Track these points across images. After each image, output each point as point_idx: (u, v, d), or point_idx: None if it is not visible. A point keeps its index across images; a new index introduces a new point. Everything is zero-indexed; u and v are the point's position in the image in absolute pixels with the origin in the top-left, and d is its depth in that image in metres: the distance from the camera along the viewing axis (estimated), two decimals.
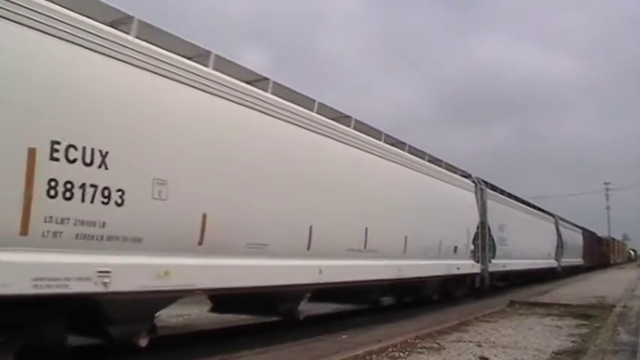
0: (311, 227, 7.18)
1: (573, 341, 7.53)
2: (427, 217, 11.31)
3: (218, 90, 5.92)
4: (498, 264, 16.15)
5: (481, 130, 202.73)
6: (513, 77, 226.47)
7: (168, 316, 9.13)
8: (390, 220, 9.79)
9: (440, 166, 12.93)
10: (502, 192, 17.91)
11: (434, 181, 12.17)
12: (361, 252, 8.78)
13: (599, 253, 44.65)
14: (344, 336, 7.74)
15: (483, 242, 15.06)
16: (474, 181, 14.90)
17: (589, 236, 39.22)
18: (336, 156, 8.25)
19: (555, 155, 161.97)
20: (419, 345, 6.95)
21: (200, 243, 5.55)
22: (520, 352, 6.56)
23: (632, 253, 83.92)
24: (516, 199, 19.84)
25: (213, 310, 7.95)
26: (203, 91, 5.73)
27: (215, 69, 6.06)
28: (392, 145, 10.58)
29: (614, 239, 58.53)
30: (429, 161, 12.31)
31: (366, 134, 9.38)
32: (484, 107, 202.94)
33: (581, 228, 36.55)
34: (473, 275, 14.26)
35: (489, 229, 15.52)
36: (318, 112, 7.94)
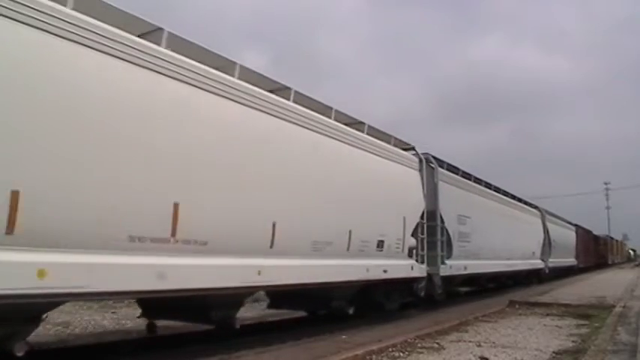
0: None
1: (573, 341, 7.45)
2: (323, 196, 7.79)
3: None
4: (457, 266, 12.57)
5: (480, 131, 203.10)
6: (512, 77, 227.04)
7: None
8: (242, 197, 6.29)
9: (361, 130, 9.38)
10: (466, 175, 14.31)
11: (345, 148, 8.63)
12: (169, 243, 5.30)
13: (596, 252, 41.05)
14: (344, 336, 7.71)
15: (432, 237, 11.51)
16: (419, 157, 11.33)
17: (584, 234, 35.60)
18: None
19: (555, 155, 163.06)
20: (419, 345, 6.90)
21: None
22: (520, 352, 6.52)
23: (632, 252, 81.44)
24: (488, 185, 16.22)
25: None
26: None
27: None
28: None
29: (612, 238, 54.90)
30: (344, 123, 8.85)
31: None
32: (483, 107, 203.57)
33: (575, 225, 32.93)
34: (414, 280, 10.69)
35: (442, 221, 11.94)
36: None
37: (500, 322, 9.56)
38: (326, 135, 8.23)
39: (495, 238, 15.74)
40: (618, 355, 6.26)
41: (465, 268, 13.14)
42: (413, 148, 11.34)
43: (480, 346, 7.02)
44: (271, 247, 6.76)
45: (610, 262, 48.86)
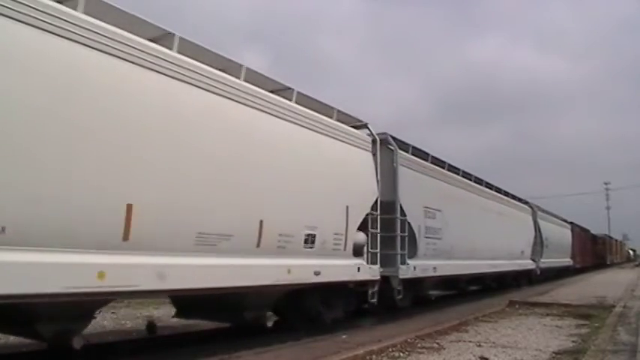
0: None
1: (573, 341, 7.44)
2: (220, 175, 5.94)
3: None
4: (423, 266, 10.66)
5: (480, 131, 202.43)
6: (512, 77, 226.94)
7: (168, 316, 8.80)
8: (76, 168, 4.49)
9: (288, 98, 7.49)
10: (438, 162, 12.37)
11: (262, 118, 6.76)
12: None
13: (594, 252, 39.04)
14: (344, 336, 7.64)
15: (390, 232, 9.61)
16: (373, 136, 9.41)
17: (580, 233, 33.63)
18: None
19: (555, 155, 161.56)
20: (419, 345, 6.89)
21: None
22: (520, 352, 6.50)
23: (631, 252, 79.74)
24: (467, 175, 14.28)
25: None
26: None
27: None
28: None
29: (610, 237, 52.80)
30: (267, 89, 7.04)
31: None
32: (483, 108, 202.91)
33: (571, 223, 30.95)
34: (367, 284, 8.79)
35: (404, 213, 10.02)
36: None
37: (500, 322, 9.44)
38: (231, 99, 6.36)
39: (475, 236, 13.81)
40: (618, 355, 6.16)
41: (435, 269, 11.22)
42: (365, 126, 9.43)
43: (480, 346, 6.95)
44: (125, 239, 4.88)
45: (609, 263, 46.74)
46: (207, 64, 6.14)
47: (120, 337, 7.96)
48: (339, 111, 8.60)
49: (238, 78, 6.64)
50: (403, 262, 9.91)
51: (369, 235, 8.80)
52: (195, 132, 5.80)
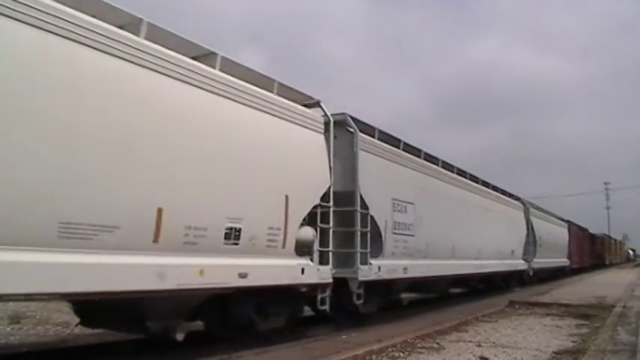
0: None
1: (573, 341, 7.36)
2: (99, 151, 4.69)
3: None
4: (390, 267, 9.33)
5: (480, 131, 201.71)
6: (511, 78, 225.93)
7: None
8: None
9: (211, 65, 6.17)
10: (411, 149, 11.00)
11: (172, 86, 5.46)
12: None
13: (592, 252, 37.63)
14: (344, 336, 7.59)
15: (348, 227, 8.30)
16: (327, 116, 8.09)
17: (578, 232, 32.26)
18: None
19: (555, 155, 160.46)
20: (419, 345, 6.84)
21: None
22: (520, 352, 6.45)
23: (631, 252, 78.50)
24: (448, 166, 12.92)
25: None
26: None
27: None
28: None
29: (609, 237, 51.36)
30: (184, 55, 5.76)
31: None
32: (483, 108, 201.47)
33: (567, 221, 29.61)
34: (314, 288, 7.46)
35: (366, 206, 8.70)
36: None
37: (500, 322, 9.37)
38: (129, 60, 5.06)
39: (457, 233, 12.49)
40: (618, 355, 6.16)
41: (406, 269, 9.88)
42: (318, 104, 8.10)
43: (479, 346, 6.92)
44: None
45: (608, 263, 45.34)
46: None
47: (120, 337, 7.43)
48: (281, 84, 7.27)
49: (137, 36, 5.33)
50: (364, 262, 8.58)
51: (319, 230, 7.48)
52: (99, 102, 4.61)
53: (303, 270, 7.07)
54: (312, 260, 7.33)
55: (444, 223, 11.89)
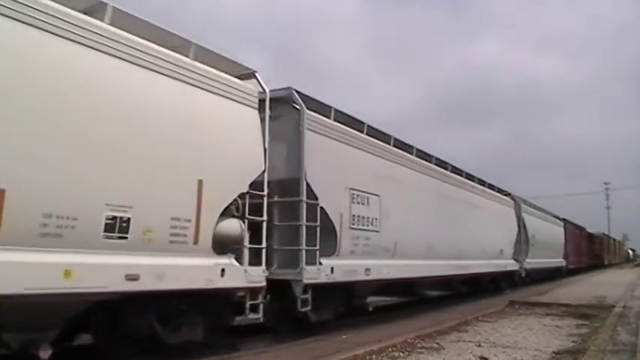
0: None
1: (573, 341, 7.33)
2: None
3: None
4: (347, 268, 8.07)
5: (481, 131, 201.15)
6: (511, 78, 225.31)
7: None
8: None
9: (131, 32, 4.93)
10: (379, 134, 9.72)
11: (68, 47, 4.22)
12: None
13: (590, 252, 36.28)
14: (344, 336, 7.47)
15: (290, 221, 7.06)
16: (262, 88, 6.84)
17: (574, 231, 30.93)
18: None
19: (555, 155, 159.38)
20: (419, 345, 6.82)
21: None
22: (520, 352, 6.42)
23: (631, 252, 77.36)
24: (423, 155, 11.62)
25: None
26: None
27: None
28: None
29: (608, 236, 49.97)
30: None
31: None
32: (483, 108, 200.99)
33: (563, 219, 28.30)
34: (235, 292, 6.21)
35: (314, 196, 7.44)
36: None
37: (500, 322, 9.34)
38: None
39: (433, 230, 11.21)
40: (618, 355, 6.14)
41: (368, 271, 8.60)
42: (252, 75, 6.83)
43: (479, 346, 6.89)
44: None
45: (606, 263, 44.00)
46: None
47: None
48: (200, 47, 6.00)
49: None
50: (312, 262, 7.33)
51: (247, 223, 6.22)
52: None
53: (223, 271, 5.79)
54: (238, 260, 6.06)
55: (418, 219, 10.61)
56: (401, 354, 6.25)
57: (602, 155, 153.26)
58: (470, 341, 7.20)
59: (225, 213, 5.97)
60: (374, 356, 6.02)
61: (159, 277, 5.09)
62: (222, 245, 5.88)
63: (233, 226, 6.05)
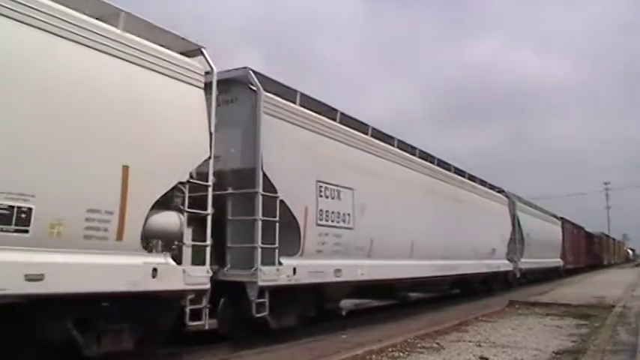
0: None
1: (573, 341, 7.33)
2: None
3: None
4: (313, 268, 7.32)
5: (480, 131, 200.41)
6: (511, 78, 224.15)
7: None
8: None
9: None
10: (355, 123, 8.95)
11: None
12: None
13: (589, 251, 35.48)
14: (344, 336, 7.60)
15: (243, 215, 6.34)
16: (208, 63, 6.08)
17: (572, 230, 30.16)
18: None
19: (555, 155, 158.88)
20: (419, 345, 6.80)
21: None
22: (520, 352, 6.42)
23: (630, 252, 76.64)
24: (406, 147, 10.86)
25: None
26: None
27: None
28: None
29: (607, 236, 49.11)
30: None
31: None
32: (482, 108, 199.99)
33: (561, 218, 27.54)
34: (180, 296, 5.43)
35: (273, 188, 6.68)
36: None
37: (500, 322, 9.33)
38: None
39: (416, 228, 10.45)
40: (618, 355, 6.11)
41: (339, 272, 7.84)
42: (199, 51, 6.08)
43: (479, 346, 6.86)
44: None
45: (606, 263, 43.15)
46: None
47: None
48: (133, 18, 5.24)
49: None
50: (270, 262, 6.57)
51: (185, 216, 5.46)
52: None
53: (155, 271, 5.03)
54: (175, 259, 5.31)
55: (400, 216, 9.87)
56: (401, 354, 6.24)
57: (602, 155, 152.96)
58: (470, 341, 7.18)
59: (160, 205, 5.22)
60: (374, 356, 6.02)
61: (69, 278, 4.34)
62: (150, 240, 5.13)
63: (170, 220, 5.31)
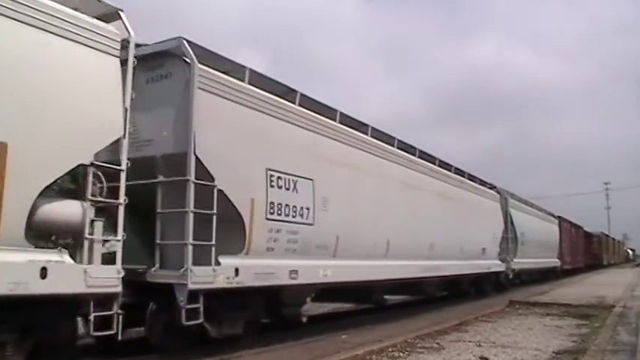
0: None
1: (573, 341, 7.34)
2: None
3: None
4: (261, 269, 6.45)
5: (480, 131, 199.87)
6: (510, 78, 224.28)
7: None
8: None
9: None
10: (318, 106, 8.03)
11: None
12: None
13: (587, 251, 34.49)
14: (344, 336, 7.60)
15: (173, 207, 5.52)
16: (128, 31, 5.20)
17: (570, 229, 29.20)
18: None
19: (555, 155, 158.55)
20: (419, 345, 6.82)
21: None
22: (520, 352, 6.42)
23: (630, 252, 75.79)
24: (382, 136, 9.94)
25: None
26: None
27: None
28: None
29: (607, 235, 48.10)
30: None
31: None
32: (482, 109, 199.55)
33: (558, 217, 26.61)
34: (84, 302, 4.57)
35: (211, 177, 5.79)
36: None
37: (500, 322, 9.29)
38: None
39: (392, 224, 9.55)
40: (618, 355, 6.09)
41: (295, 273, 6.94)
42: (116, 15, 5.19)
43: (479, 346, 6.85)
44: None
45: (605, 263, 42.14)
46: None
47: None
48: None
49: None
50: (205, 262, 5.67)
51: (88, 206, 4.57)
52: None
53: (44, 271, 4.14)
54: (73, 256, 4.42)
55: (373, 212, 9.00)
56: (401, 354, 6.23)
57: (602, 155, 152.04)
58: (470, 341, 7.19)
59: (55, 192, 4.35)
60: (374, 356, 6.00)
61: None
62: (45, 235, 4.26)
63: (67, 210, 4.43)
